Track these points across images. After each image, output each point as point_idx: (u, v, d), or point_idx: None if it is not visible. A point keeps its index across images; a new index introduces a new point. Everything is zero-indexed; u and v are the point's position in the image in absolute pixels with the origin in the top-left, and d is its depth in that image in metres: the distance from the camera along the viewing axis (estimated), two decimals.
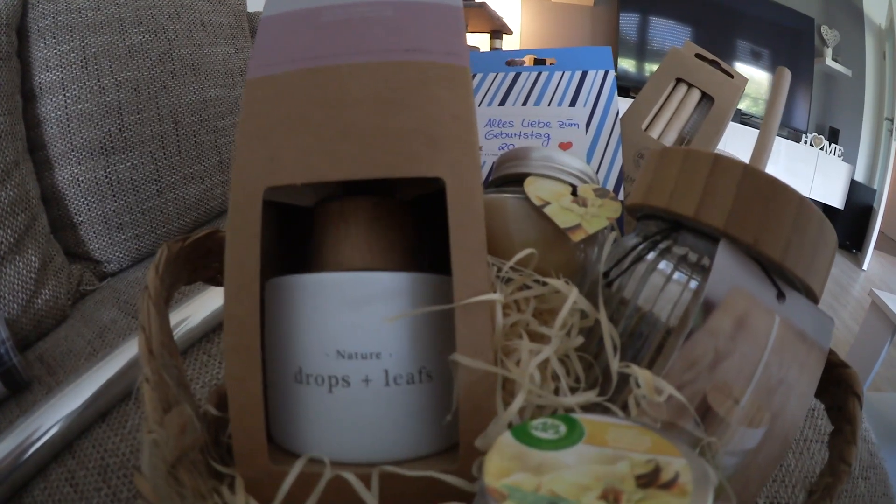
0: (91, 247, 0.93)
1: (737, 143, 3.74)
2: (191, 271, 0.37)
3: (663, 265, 0.33)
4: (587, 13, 4.48)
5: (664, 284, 0.33)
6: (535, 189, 0.38)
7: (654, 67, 3.83)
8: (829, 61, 4.30)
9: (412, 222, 0.36)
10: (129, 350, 0.62)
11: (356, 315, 0.30)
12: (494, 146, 0.50)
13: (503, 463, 0.22)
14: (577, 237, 0.36)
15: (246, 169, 0.31)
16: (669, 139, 0.55)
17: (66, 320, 0.82)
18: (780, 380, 0.30)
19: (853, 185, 4.24)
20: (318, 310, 0.31)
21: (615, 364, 0.30)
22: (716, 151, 0.45)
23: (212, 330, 0.69)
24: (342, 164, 0.30)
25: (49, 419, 0.56)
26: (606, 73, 0.51)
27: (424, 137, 0.30)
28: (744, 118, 4.23)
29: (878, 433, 1.53)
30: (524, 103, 0.50)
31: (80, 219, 0.91)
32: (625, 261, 0.34)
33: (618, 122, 0.49)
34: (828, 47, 4.34)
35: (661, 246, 0.33)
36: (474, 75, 0.53)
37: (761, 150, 0.39)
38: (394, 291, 0.31)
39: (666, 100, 0.57)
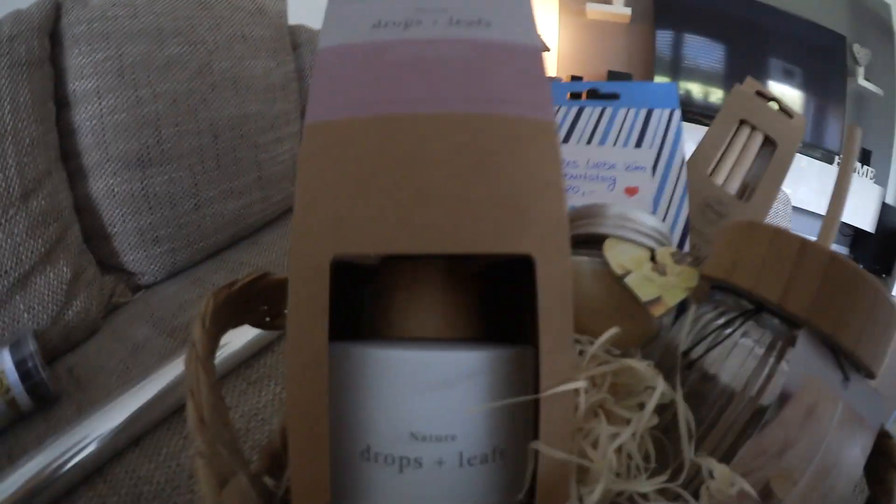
0: (125, 259, 0.93)
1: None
2: (237, 316, 0.35)
3: (745, 341, 0.32)
4: (623, 30, 4.46)
5: (745, 360, 0.32)
6: (616, 255, 0.36)
7: (688, 85, 3.80)
8: (861, 80, 4.25)
9: (483, 290, 0.33)
10: (165, 374, 0.61)
11: (432, 397, 0.28)
12: None
13: None
14: (657, 312, 0.35)
15: (309, 233, 0.28)
16: (733, 186, 0.53)
17: (97, 333, 0.82)
18: (835, 462, 0.29)
19: (884, 208, 4.19)
20: (390, 388, 0.29)
21: (690, 453, 0.29)
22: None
23: (252, 355, 0.69)
24: (419, 236, 0.27)
25: (80, 440, 0.55)
26: (672, 112, 0.49)
27: (512, 208, 0.28)
28: None
29: None
30: (588, 142, 0.48)
31: (115, 230, 0.91)
32: (705, 340, 0.33)
33: (684, 166, 0.47)
34: (860, 66, 4.30)
35: (743, 327, 0.32)
36: None
37: (832, 221, 0.38)
38: (473, 372, 0.28)
39: (729, 144, 0.55)
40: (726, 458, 0.28)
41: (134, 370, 0.69)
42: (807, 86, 4.27)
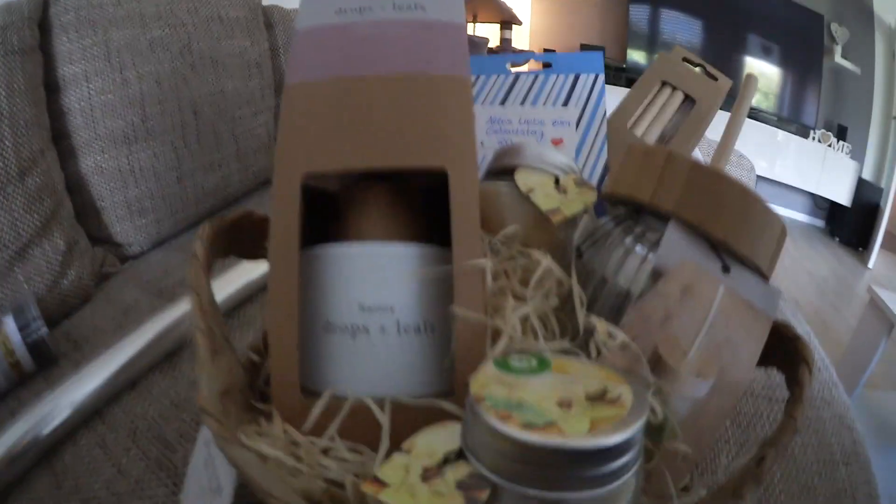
0: (113, 231, 0.98)
1: (744, 137, 3.75)
2: (227, 246, 0.43)
3: (628, 241, 0.39)
4: (597, 4, 4.50)
5: (623, 256, 0.39)
6: (524, 179, 0.44)
7: None
8: (838, 58, 4.30)
9: (422, 205, 0.42)
10: (155, 325, 0.68)
11: (375, 276, 0.37)
12: (495, 142, 0.55)
13: (485, 380, 0.28)
14: (556, 219, 0.42)
15: (287, 158, 0.37)
16: (652, 137, 0.60)
17: (90, 300, 0.87)
18: (727, 339, 0.35)
19: (860, 183, 4.24)
20: (344, 272, 0.37)
21: (581, 316, 0.36)
22: (718, 149, 0.49)
23: (235, 306, 0.76)
24: (366, 156, 0.37)
25: (79, 390, 0.61)
26: (597, 76, 0.55)
27: (432, 136, 0.37)
28: (752, 112, 4.25)
29: (873, 429, 1.57)
30: (522, 103, 0.55)
31: (104, 204, 0.96)
32: (594, 235, 0.40)
33: (605, 121, 0.53)
34: (837, 44, 4.34)
35: (624, 225, 0.39)
36: (478, 77, 0.57)
37: (723, 148, 0.44)
38: (405, 258, 0.37)
39: (651, 101, 0.61)
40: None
41: (127, 328, 0.75)
42: (784, 63, 4.32)
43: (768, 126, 4.27)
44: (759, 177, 4.23)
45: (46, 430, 0.58)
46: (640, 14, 4.34)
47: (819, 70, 4.31)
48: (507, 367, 0.29)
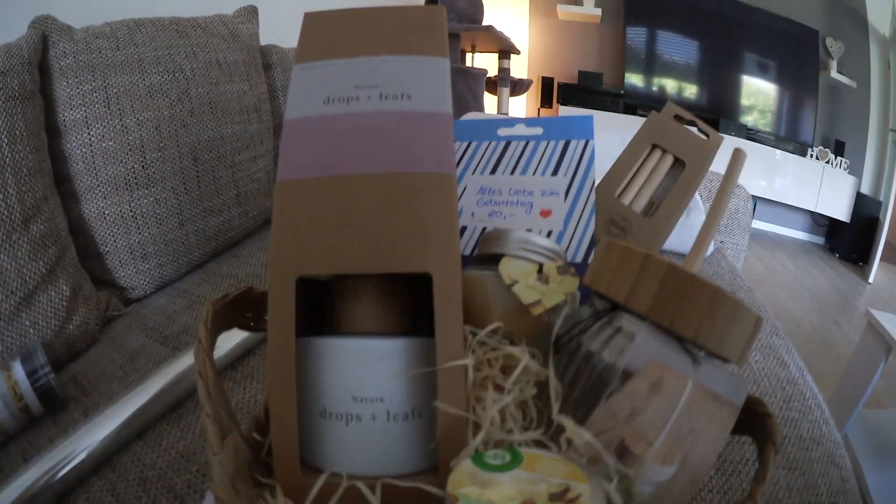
0: (117, 275, 0.99)
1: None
2: (229, 320, 0.45)
3: (606, 333, 0.41)
4: (594, 30, 4.54)
5: (600, 351, 0.40)
6: (507, 270, 0.46)
7: (663, 81, 3.84)
8: (833, 73, 4.33)
9: (411, 293, 0.44)
10: (162, 377, 0.69)
11: (367, 370, 0.39)
12: (485, 213, 0.56)
13: (461, 479, 0.31)
14: (536, 312, 0.44)
15: (281, 260, 0.39)
16: (640, 204, 0.61)
17: (95, 343, 0.89)
18: (690, 429, 0.37)
19: (859, 198, 4.26)
20: (338, 365, 0.40)
21: (555, 412, 0.39)
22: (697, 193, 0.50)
23: (236, 359, 0.77)
24: (355, 261, 0.39)
25: (89, 438, 0.63)
26: (587, 142, 0.56)
27: (416, 239, 0.39)
28: (749, 133, 4.27)
29: (872, 448, 1.57)
30: (512, 172, 0.56)
31: (107, 249, 0.97)
32: (573, 330, 0.42)
33: (593, 190, 0.55)
34: (832, 59, 4.37)
35: (603, 320, 0.41)
36: (469, 144, 0.59)
37: (700, 243, 0.46)
38: (394, 353, 0.40)
39: (641, 166, 0.62)
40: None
41: (132, 375, 0.77)
42: (780, 79, 4.34)
43: (766, 146, 4.29)
44: (758, 197, 4.26)
45: (59, 475, 0.60)
46: (637, 37, 4.37)
47: (815, 86, 4.34)
48: (482, 464, 0.33)
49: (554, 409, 0.39)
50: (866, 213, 4.11)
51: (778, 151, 4.29)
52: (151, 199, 1.00)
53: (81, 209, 0.95)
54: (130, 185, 0.97)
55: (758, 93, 4.40)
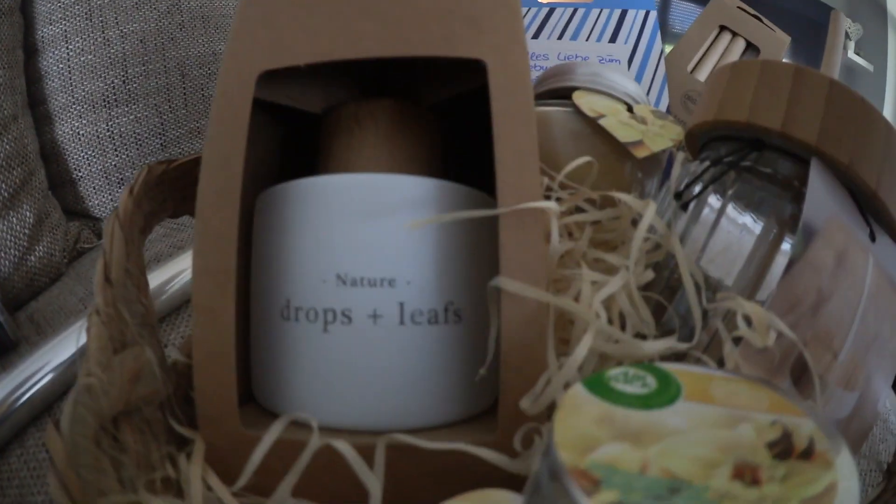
0: (90, 203, 0.91)
1: None
2: (178, 201, 0.32)
3: (732, 212, 0.29)
4: None
5: (736, 232, 0.28)
6: (589, 101, 0.32)
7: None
8: (851, 54, 4.23)
9: (438, 132, 0.30)
10: None
11: (367, 227, 0.24)
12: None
13: (584, 428, 0.15)
14: (640, 154, 0.31)
15: (241, 52, 0.25)
16: None
17: (60, 279, 0.80)
18: (876, 334, 0.25)
19: None
20: (314, 222, 0.25)
21: (700, 302, 0.24)
22: None
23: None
24: (359, 40, 0.24)
25: (28, 378, 0.53)
26: (648, 12, 0.47)
27: (463, 17, 0.24)
28: None
29: None
30: (560, 37, 0.46)
31: (80, 174, 0.89)
32: (695, 186, 0.29)
33: (662, 61, 0.45)
34: (850, 40, 4.27)
35: (743, 164, 0.28)
36: None
37: (832, 53, 0.35)
38: (418, 200, 0.24)
39: (710, 46, 0.54)
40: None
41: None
42: (796, 58, 4.25)
43: None
44: None
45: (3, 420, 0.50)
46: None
47: None
48: (610, 394, 0.17)
49: (694, 298, 0.24)
50: None
51: None
52: (132, 117, 0.91)
53: (55, 131, 0.87)
54: (109, 103, 0.89)
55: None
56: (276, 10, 0.26)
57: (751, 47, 0.55)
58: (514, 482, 0.21)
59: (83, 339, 0.53)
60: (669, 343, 0.23)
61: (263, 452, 0.22)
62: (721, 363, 0.23)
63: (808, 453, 0.14)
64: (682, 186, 0.29)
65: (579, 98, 0.32)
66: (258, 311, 0.26)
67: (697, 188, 0.29)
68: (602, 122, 0.31)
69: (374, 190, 0.25)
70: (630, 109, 0.33)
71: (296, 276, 0.25)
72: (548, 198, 0.27)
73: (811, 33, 4.21)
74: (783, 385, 0.22)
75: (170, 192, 0.31)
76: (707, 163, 0.30)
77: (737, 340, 0.23)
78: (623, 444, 0.14)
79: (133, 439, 0.22)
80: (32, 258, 0.76)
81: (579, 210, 0.28)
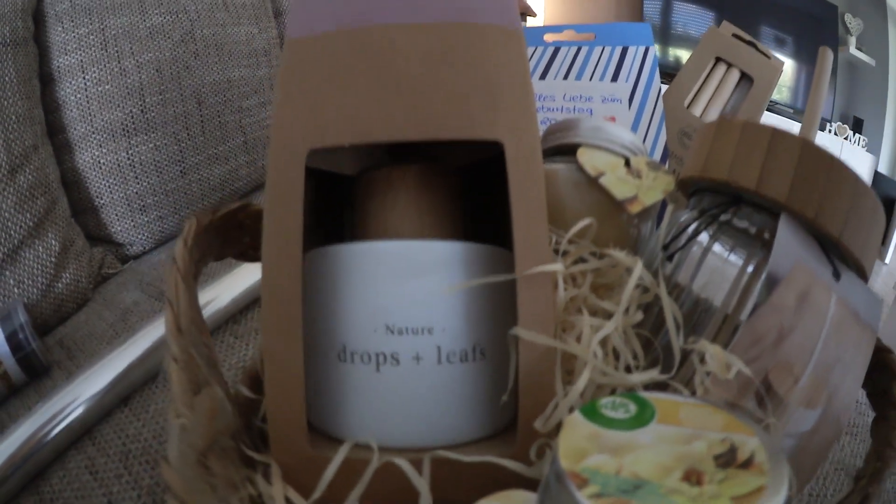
0: (113, 229, 0.93)
1: None
2: (221, 245, 0.35)
3: (718, 248, 0.32)
4: None
5: (720, 266, 0.32)
6: (590, 159, 0.36)
7: (678, 52, 3.78)
8: (852, 50, 4.23)
9: (461, 192, 0.34)
10: (153, 332, 0.61)
11: (407, 287, 0.28)
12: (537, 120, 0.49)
13: (579, 444, 0.20)
14: (634, 209, 0.35)
15: (287, 129, 0.29)
16: (711, 118, 0.54)
17: (87, 304, 0.82)
18: (837, 359, 0.29)
19: (877, 177, 4.17)
20: (365, 281, 0.29)
21: (678, 341, 0.29)
22: None
23: (239, 311, 0.68)
24: (393, 124, 0.28)
25: (68, 404, 0.55)
26: (647, 49, 0.49)
27: (482, 98, 0.28)
28: (768, 105, 4.18)
29: None
30: (565, 77, 0.49)
31: (102, 201, 0.91)
32: (682, 237, 0.33)
33: (660, 98, 0.47)
34: (851, 35, 4.28)
35: (722, 219, 0.32)
36: None
37: (808, 128, 0.38)
38: (449, 261, 0.29)
39: (706, 79, 0.56)
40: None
41: (123, 334, 0.69)
42: (798, 54, 4.26)
43: (784, 119, 4.21)
44: None
45: (37, 448, 0.53)
46: (653, 5, 4.28)
47: (834, 62, 4.25)
48: (599, 418, 0.22)
49: (675, 336, 0.29)
50: (884, 192, 4.03)
51: (796, 124, 4.21)
52: (151, 145, 0.93)
53: (75, 159, 0.88)
54: (128, 131, 0.90)
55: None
56: (316, 88, 0.29)
57: (745, 76, 0.57)
58: (530, 485, 0.26)
59: (118, 368, 0.56)
60: (652, 374, 0.28)
61: (335, 469, 0.26)
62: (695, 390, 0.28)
63: (747, 464, 0.19)
64: (669, 238, 0.33)
65: (582, 156, 0.36)
66: (316, 354, 0.30)
67: (684, 238, 0.33)
68: (602, 180, 0.35)
69: (412, 254, 0.29)
70: (628, 164, 0.37)
71: (350, 326, 0.29)
72: (556, 251, 0.33)
73: (810, 28, 4.21)
74: (748, 405, 0.27)
75: (214, 238, 0.34)
76: (694, 212, 0.33)
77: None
78: (605, 455, 0.20)
79: (218, 466, 0.26)
80: (60, 285, 0.78)
81: (582, 260, 0.33)
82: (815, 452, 0.29)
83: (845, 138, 4.21)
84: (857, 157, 4.20)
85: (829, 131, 4.21)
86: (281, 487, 0.27)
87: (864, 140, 4.24)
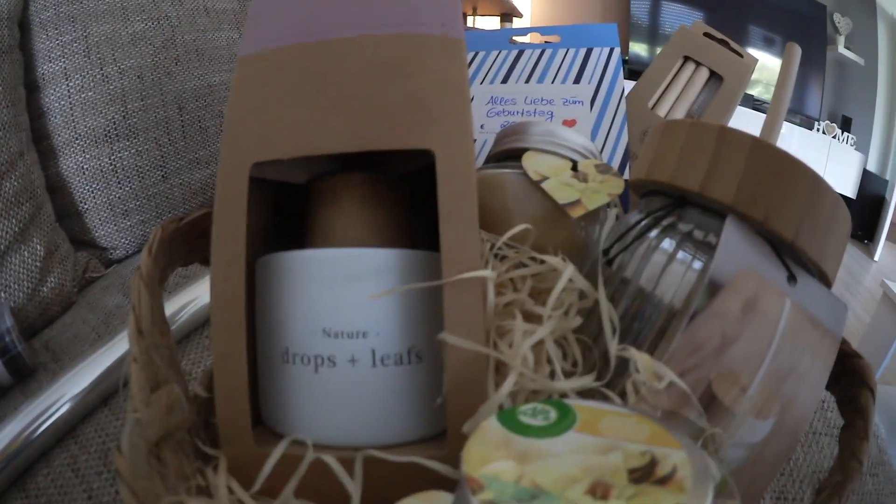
0: (97, 234, 0.94)
1: (749, 130, 3.71)
2: (187, 252, 0.37)
3: (667, 244, 0.32)
4: None
5: (666, 264, 0.32)
6: (534, 164, 0.37)
7: None
8: (841, 49, 4.26)
9: (407, 200, 0.35)
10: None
11: (342, 292, 0.30)
12: (496, 124, 0.50)
13: (485, 450, 0.21)
14: (575, 213, 0.36)
15: (234, 144, 0.30)
16: (677, 118, 0.55)
17: (72, 307, 0.83)
18: (791, 368, 0.28)
19: (865, 175, 4.19)
20: (304, 287, 0.30)
21: (613, 347, 0.29)
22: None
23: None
24: (332, 137, 0.30)
25: (52, 404, 0.56)
26: (612, 50, 0.50)
27: (416, 109, 0.30)
28: (756, 104, 4.19)
29: (887, 427, 1.52)
30: (527, 80, 0.49)
31: (86, 206, 0.92)
32: (626, 237, 0.33)
33: (623, 99, 0.48)
34: (840, 35, 4.30)
35: (665, 223, 0.32)
36: (476, 53, 0.52)
37: (771, 125, 0.38)
38: (382, 268, 0.30)
39: (673, 78, 0.56)
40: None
41: (105, 336, 0.70)
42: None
43: None
44: None
45: (24, 446, 0.54)
46: (641, 5, 4.29)
47: (822, 61, 4.27)
48: (514, 424, 0.22)
49: (611, 343, 0.28)
50: (872, 190, 4.06)
51: (784, 125, 4.22)
52: (133, 151, 0.93)
53: (59, 165, 0.89)
54: (111, 137, 0.91)
55: (763, 66, 4.33)
56: (262, 104, 0.31)
57: (715, 75, 0.57)
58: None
59: (99, 369, 0.57)
60: (584, 381, 0.29)
61: (272, 464, 0.28)
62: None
63: (666, 479, 0.18)
64: (613, 241, 0.33)
65: (527, 160, 0.37)
66: (263, 355, 0.32)
67: (629, 239, 0.33)
68: (544, 185, 0.36)
69: (347, 261, 0.30)
70: (575, 167, 0.37)
71: (292, 329, 0.30)
72: (496, 255, 0.34)
73: (799, 27, 4.22)
74: (691, 414, 0.26)
75: (181, 245, 0.36)
76: (641, 214, 0.33)
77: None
78: (509, 462, 0.20)
79: (171, 457, 0.28)
80: (45, 289, 0.79)
81: (523, 265, 0.33)
82: (770, 464, 0.28)
83: (834, 137, 4.23)
84: (845, 155, 4.22)
85: (818, 129, 4.22)
86: (224, 478, 0.28)
87: (852, 139, 4.26)
